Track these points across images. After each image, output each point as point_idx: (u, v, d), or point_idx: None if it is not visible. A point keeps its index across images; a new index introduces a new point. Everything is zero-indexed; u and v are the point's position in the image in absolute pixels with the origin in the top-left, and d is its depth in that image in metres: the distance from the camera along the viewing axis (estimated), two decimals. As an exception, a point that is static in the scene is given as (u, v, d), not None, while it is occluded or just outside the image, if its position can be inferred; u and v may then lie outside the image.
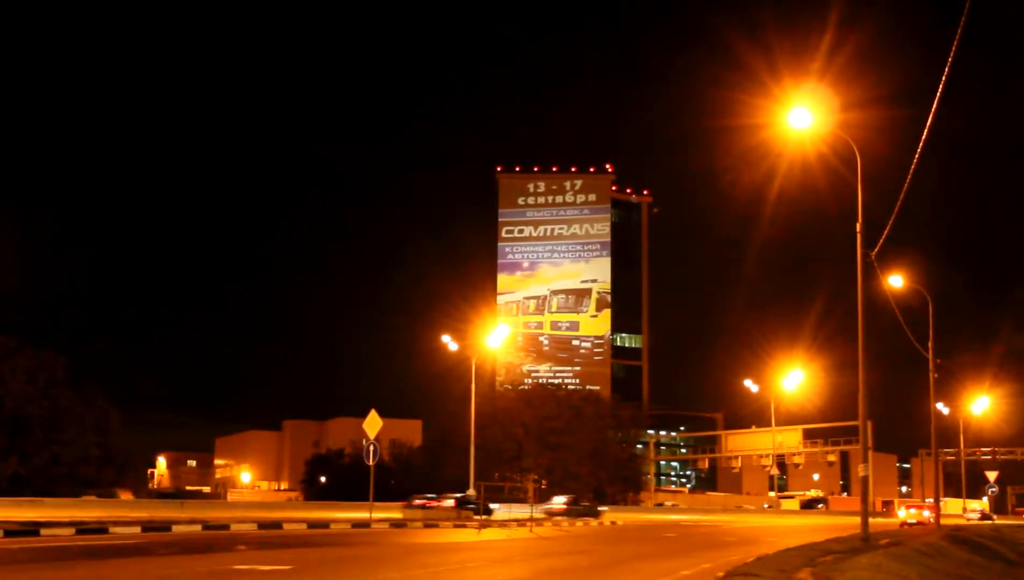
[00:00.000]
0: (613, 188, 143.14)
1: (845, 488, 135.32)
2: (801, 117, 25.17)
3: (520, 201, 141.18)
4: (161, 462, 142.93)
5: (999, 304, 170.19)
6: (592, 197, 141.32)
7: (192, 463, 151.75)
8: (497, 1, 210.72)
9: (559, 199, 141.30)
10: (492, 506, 47.27)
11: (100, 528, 27.95)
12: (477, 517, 41.86)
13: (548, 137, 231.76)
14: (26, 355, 57.66)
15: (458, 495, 49.94)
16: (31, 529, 26.25)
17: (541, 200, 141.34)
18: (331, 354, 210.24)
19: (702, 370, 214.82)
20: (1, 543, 22.75)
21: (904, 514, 60.87)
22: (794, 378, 75.36)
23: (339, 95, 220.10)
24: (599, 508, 55.49)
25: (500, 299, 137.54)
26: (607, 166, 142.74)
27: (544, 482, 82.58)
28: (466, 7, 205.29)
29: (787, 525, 53.03)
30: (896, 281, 38.94)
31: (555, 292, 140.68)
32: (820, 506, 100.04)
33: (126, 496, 61.98)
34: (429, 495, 50.69)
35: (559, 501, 53.29)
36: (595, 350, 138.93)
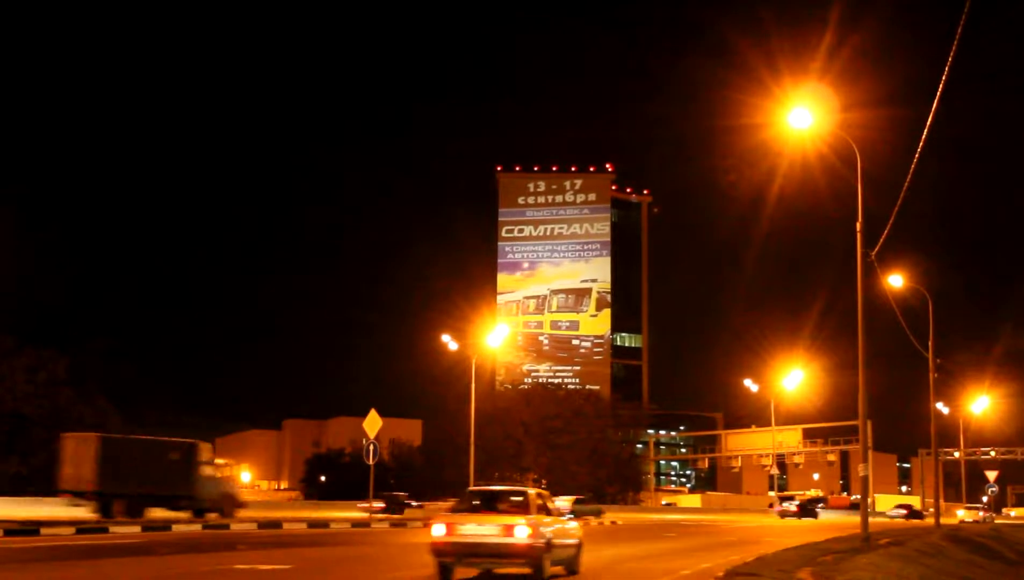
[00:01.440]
0: (613, 188, 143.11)
1: (845, 488, 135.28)
2: (801, 117, 25.14)
3: (520, 200, 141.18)
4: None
5: (999, 304, 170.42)
6: (592, 197, 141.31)
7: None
8: (497, 1, 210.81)
9: (559, 198, 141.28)
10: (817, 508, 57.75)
11: (100, 528, 27.98)
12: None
13: (548, 137, 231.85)
14: (26, 354, 57.61)
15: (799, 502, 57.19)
16: (31, 528, 26.26)
17: (541, 199, 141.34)
18: (331, 354, 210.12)
19: (702, 370, 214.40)
20: (1, 542, 22.75)
21: (963, 514, 71.07)
22: (794, 378, 75.21)
23: (339, 95, 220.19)
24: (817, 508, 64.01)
25: (500, 298, 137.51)
26: (607, 166, 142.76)
27: (544, 482, 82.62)
28: (466, 7, 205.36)
29: (787, 525, 53.05)
30: (896, 281, 38.90)
31: (555, 291, 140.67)
32: (820, 506, 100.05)
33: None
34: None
35: (791, 504, 62.94)
36: (595, 350, 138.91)
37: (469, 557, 15.39)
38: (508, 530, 15.19)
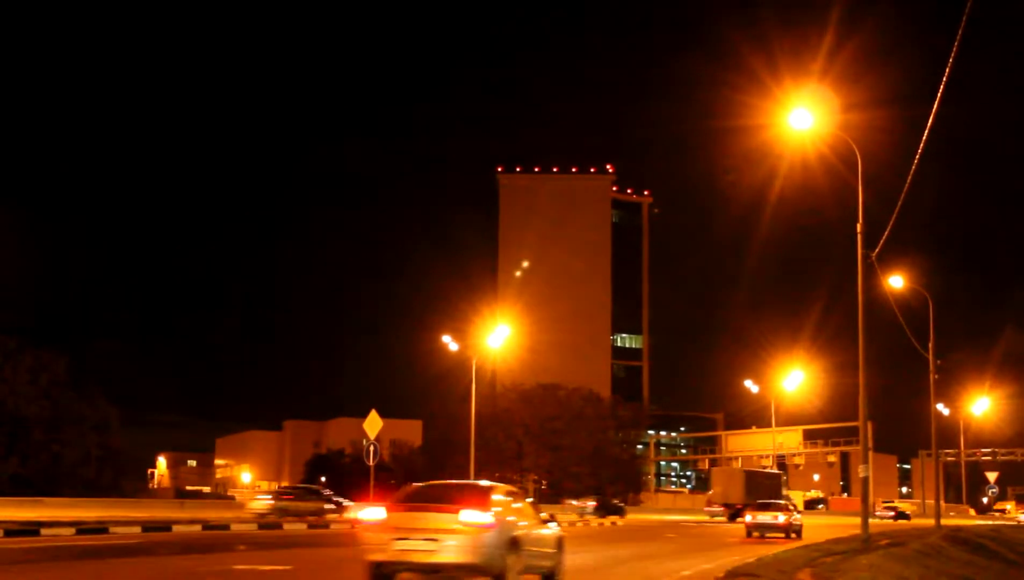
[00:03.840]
0: (614, 188, 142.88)
1: (845, 489, 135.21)
2: (802, 118, 25.14)
3: (521, 201, 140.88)
4: (161, 462, 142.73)
5: (999, 304, 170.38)
6: (592, 197, 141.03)
7: (192, 463, 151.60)
8: (498, 1, 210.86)
9: (560, 199, 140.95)
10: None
11: (100, 528, 27.96)
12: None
13: (549, 137, 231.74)
14: (27, 355, 57.54)
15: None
16: (31, 529, 26.26)
17: (542, 200, 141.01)
18: (331, 354, 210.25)
19: (702, 370, 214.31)
20: (1, 543, 22.75)
21: None
22: (794, 379, 75.14)
23: (339, 95, 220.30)
24: None
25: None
26: (608, 166, 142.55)
27: (544, 482, 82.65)
28: (467, 8, 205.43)
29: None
30: (896, 282, 38.93)
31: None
32: (820, 507, 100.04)
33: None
34: None
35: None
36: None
37: (759, 529, 34.42)
38: (775, 517, 34.65)
